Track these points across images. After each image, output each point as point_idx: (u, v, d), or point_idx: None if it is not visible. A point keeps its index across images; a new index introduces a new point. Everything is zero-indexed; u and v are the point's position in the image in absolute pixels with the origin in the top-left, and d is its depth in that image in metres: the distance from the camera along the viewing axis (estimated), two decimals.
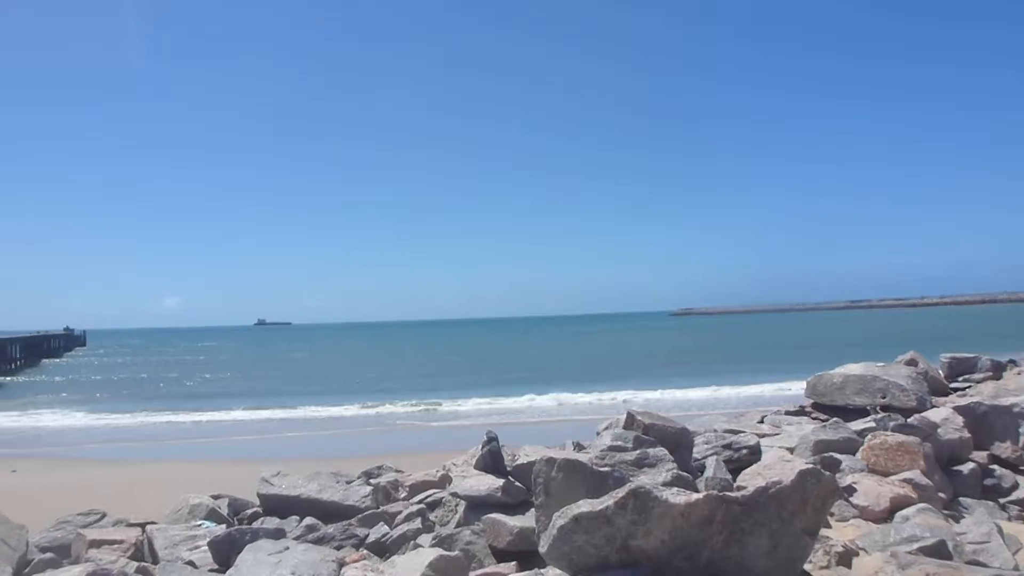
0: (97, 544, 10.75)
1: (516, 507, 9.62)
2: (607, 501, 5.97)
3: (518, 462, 10.51)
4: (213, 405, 48.72)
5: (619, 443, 9.62)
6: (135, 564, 9.63)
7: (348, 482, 12.59)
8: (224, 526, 11.07)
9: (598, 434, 11.24)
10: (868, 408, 12.31)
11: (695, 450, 10.76)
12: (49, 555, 10.93)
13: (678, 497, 5.88)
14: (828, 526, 8.39)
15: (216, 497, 12.91)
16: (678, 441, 10.23)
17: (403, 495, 11.87)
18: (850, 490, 9.31)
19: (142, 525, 11.67)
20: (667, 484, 7.54)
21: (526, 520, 8.73)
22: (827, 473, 6.49)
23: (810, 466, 6.74)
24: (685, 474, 9.07)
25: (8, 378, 76.91)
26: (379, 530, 10.06)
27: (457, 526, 9.78)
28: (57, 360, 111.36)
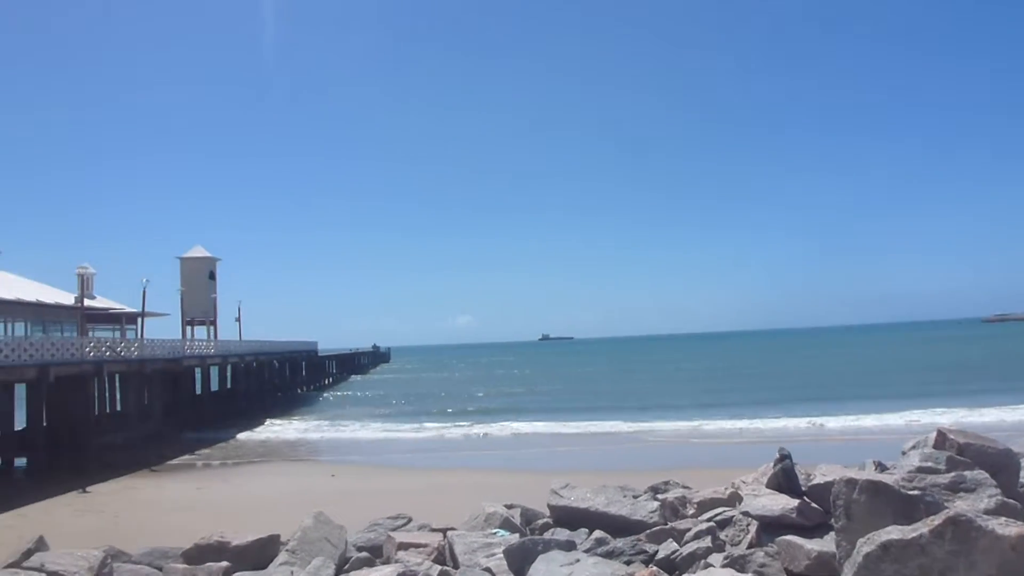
0: (404, 546, 11.59)
1: (813, 530, 9.13)
2: (921, 528, 5.47)
3: (814, 482, 9.96)
4: (503, 417, 51.24)
5: (929, 464, 8.79)
6: (438, 568, 10.24)
7: (635, 496, 12.60)
8: (518, 535, 11.48)
9: (903, 453, 10.34)
10: None
11: (1022, 475, 9.58)
12: (364, 554, 11.99)
13: (1007, 528, 5.25)
14: None
15: (509, 507, 13.43)
16: (1001, 464, 9.14)
17: (691, 512, 11.63)
18: None
19: (443, 531, 12.44)
20: (991, 512, 6.79)
21: (825, 544, 8.25)
22: None
23: None
24: (1011, 501, 8.10)
25: (325, 393, 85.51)
26: (668, 547, 9.94)
27: (749, 547, 9.44)
28: (365, 376, 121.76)
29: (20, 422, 34.84)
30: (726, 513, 10.70)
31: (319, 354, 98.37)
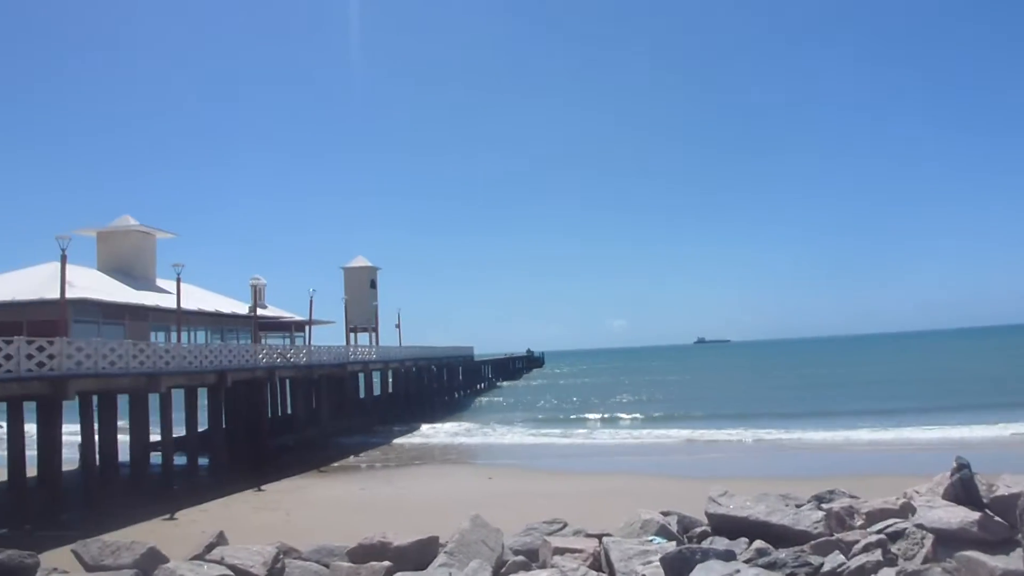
0: (560, 551, 11.63)
1: (997, 545, 8.51)
2: None
3: (997, 493, 9.29)
4: (656, 423, 50.71)
5: None
6: (594, 574, 10.23)
7: (798, 505, 12.14)
8: (674, 543, 11.29)
9: None
10: None
11: None
12: (520, 558, 12.10)
13: None
14: None
15: (666, 514, 13.22)
16: None
17: (859, 523, 11.08)
18: None
19: (598, 536, 12.39)
20: None
21: (1011, 561, 7.69)
22: None
23: None
24: None
25: (481, 397, 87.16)
26: (834, 559, 9.51)
27: (924, 562, 8.91)
28: (519, 381, 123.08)
29: (202, 423, 37.38)
30: (898, 525, 10.13)
31: (475, 359, 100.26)
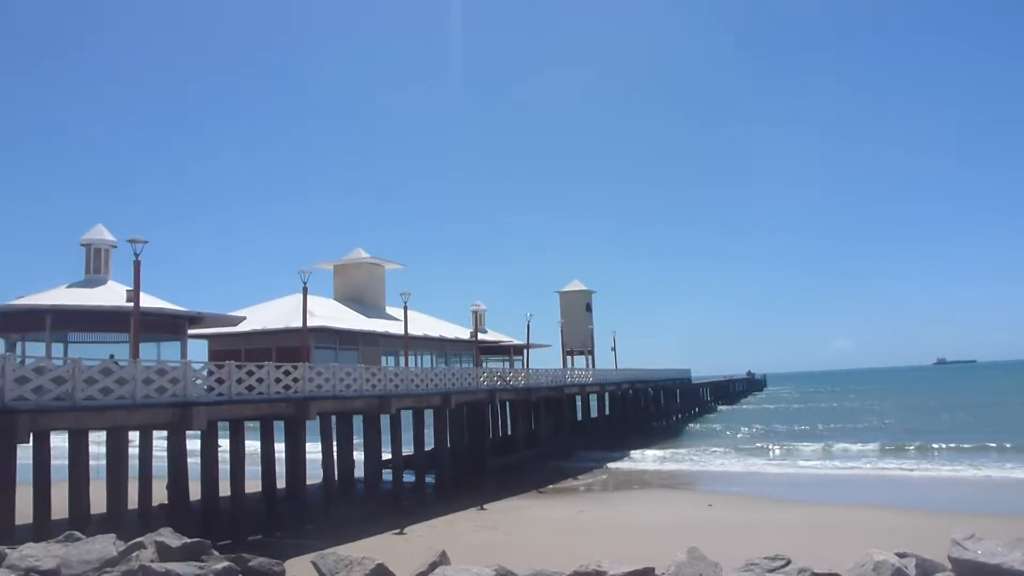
0: None
1: None
2: None
3: None
4: (890, 453, 47.47)
5: None
6: None
7: None
8: None
9: None
10: None
11: None
12: None
13: None
14: None
15: (901, 555, 12.30)
16: None
17: None
18: None
19: None
20: None
21: None
22: None
23: None
24: None
25: (699, 421, 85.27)
26: None
27: None
28: (738, 405, 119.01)
29: (428, 443, 39.33)
30: None
31: (692, 381, 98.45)
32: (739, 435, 65.50)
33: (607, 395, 62.55)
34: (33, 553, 10.40)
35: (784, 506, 30.48)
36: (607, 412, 62.81)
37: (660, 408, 77.81)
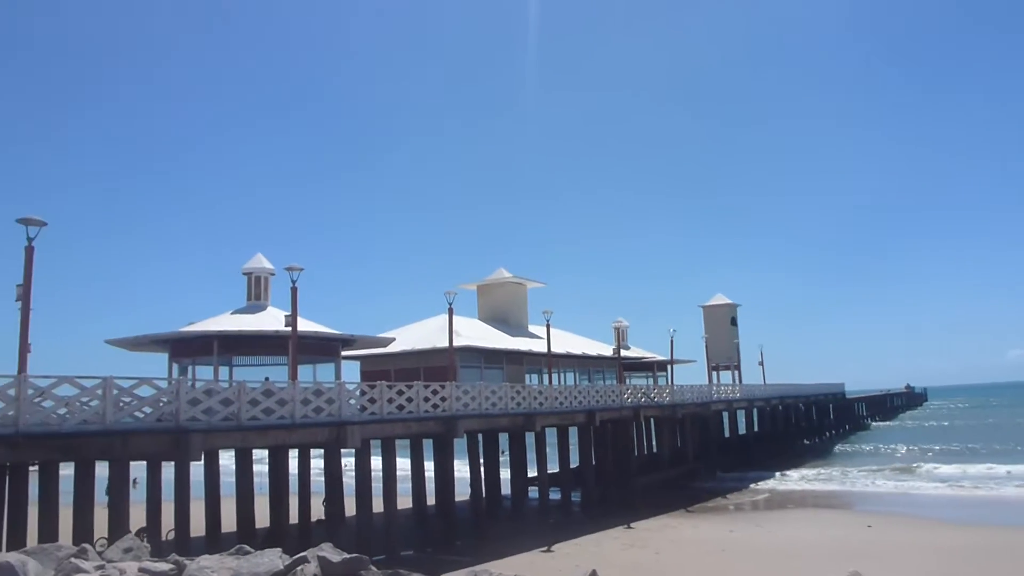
0: None
1: None
2: None
3: None
4: None
5: None
6: None
7: None
8: None
9: None
10: None
11: None
12: None
13: None
14: None
15: None
16: None
17: None
18: None
19: None
20: None
21: None
22: None
23: None
24: None
25: (853, 438, 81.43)
26: None
27: None
28: (897, 420, 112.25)
29: (573, 460, 39.38)
30: None
31: (846, 396, 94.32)
32: (897, 454, 62.10)
33: (755, 411, 60.87)
34: (209, 565, 11.11)
35: (949, 528, 28.72)
36: (755, 429, 61.02)
37: (812, 424, 75.01)
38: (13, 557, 9.64)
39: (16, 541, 17.98)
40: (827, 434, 78.39)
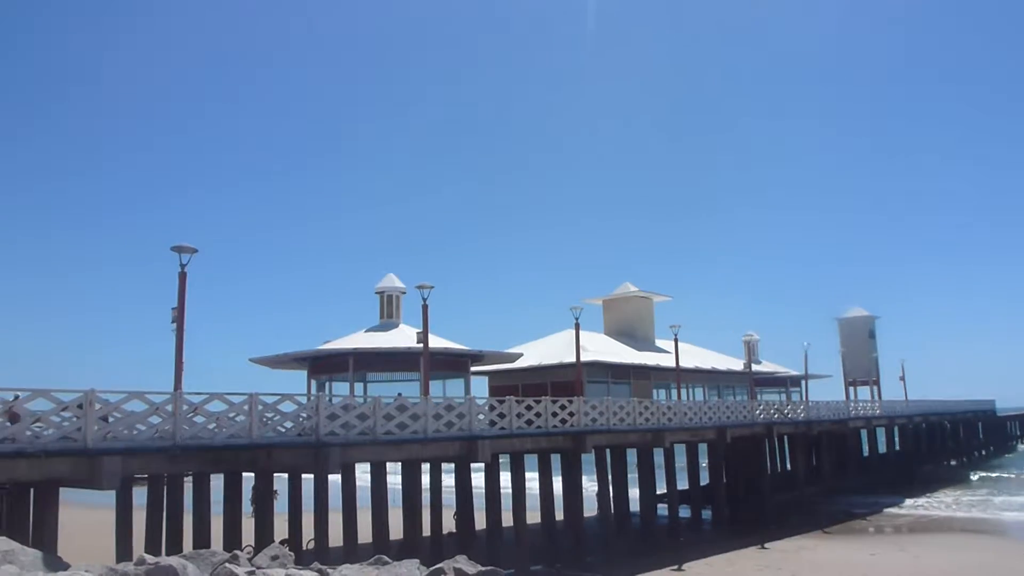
0: None
1: None
2: None
3: None
4: None
5: None
6: None
7: None
8: None
9: None
10: None
11: None
12: None
13: None
14: None
15: None
16: None
17: None
18: None
19: None
20: None
21: None
22: None
23: None
24: None
25: (998, 463, 76.55)
26: None
27: None
28: None
29: (703, 478, 38.71)
30: None
31: (997, 414, 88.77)
32: None
33: (896, 429, 58.17)
34: (350, 574, 11.61)
35: None
36: (896, 447, 58.33)
37: (959, 443, 70.98)
38: (175, 561, 10.35)
39: (174, 545, 19.22)
40: (975, 454, 74.04)
